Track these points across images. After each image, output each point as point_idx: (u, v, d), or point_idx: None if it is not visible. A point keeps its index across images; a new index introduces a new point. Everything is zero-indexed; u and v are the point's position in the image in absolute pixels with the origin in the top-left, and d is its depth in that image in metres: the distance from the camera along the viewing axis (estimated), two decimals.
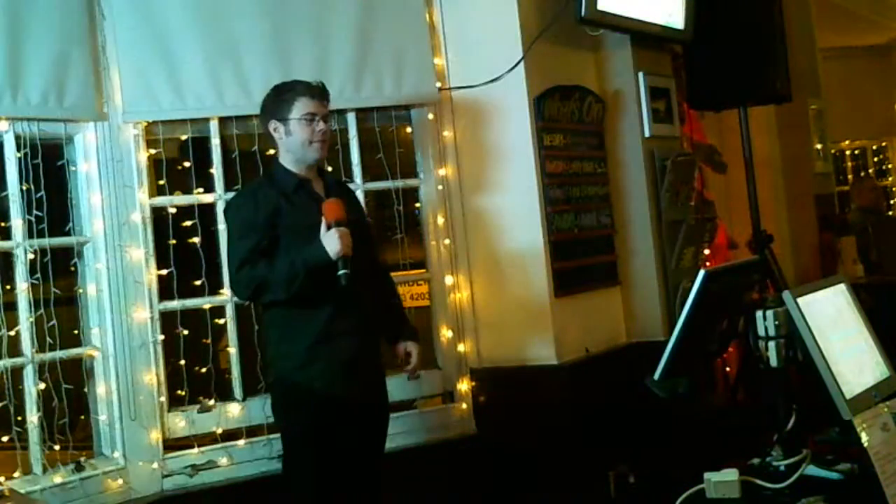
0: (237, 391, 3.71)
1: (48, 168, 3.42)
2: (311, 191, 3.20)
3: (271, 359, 3.23)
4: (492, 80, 4.02)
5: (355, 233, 3.05)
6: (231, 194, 3.67)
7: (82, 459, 3.44)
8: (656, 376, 2.25)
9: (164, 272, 3.63)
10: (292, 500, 3.17)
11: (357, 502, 3.21)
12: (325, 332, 3.10)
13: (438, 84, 4.10)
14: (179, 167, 3.75)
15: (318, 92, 3.18)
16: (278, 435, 3.53)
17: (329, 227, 3.00)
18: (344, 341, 3.13)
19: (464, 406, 4.10)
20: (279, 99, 3.17)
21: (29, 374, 3.33)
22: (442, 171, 4.14)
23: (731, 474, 2.18)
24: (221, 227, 3.68)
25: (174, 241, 3.67)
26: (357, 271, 3.01)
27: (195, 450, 3.64)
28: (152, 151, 3.68)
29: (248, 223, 3.10)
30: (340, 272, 2.96)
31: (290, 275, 3.01)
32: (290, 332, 3.12)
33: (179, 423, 3.64)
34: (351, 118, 3.98)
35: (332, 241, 2.98)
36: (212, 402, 3.67)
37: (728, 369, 4.74)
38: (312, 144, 3.15)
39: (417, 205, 4.17)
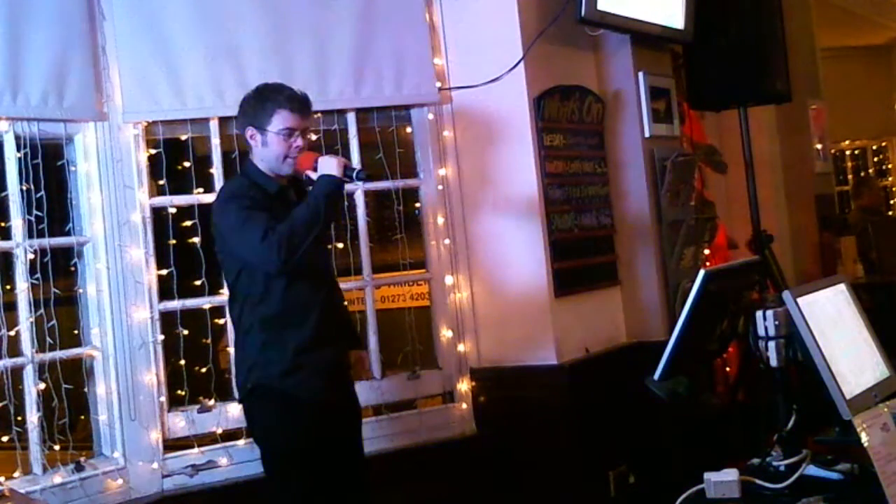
0: (237, 391, 3.71)
1: (48, 168, 3.42)
2: (290, 198, 3.17)
3: (252, 365, 3.11)
4: (492, 81, 4.01)
5: (322, 240, 3.11)
6: None
7: (82, 459, 3.43)
8: (656, 376, 2.25)
9: (164, 272, 3.63)
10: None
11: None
12: (313, 338, 3.08)
13: (438, 84, 4.10)
14: (179, 167, 3.75)
15: (300, 105, 3.08)
16: None
17: (314, 166, 3.05)
18: (328, 348, 3.13)
19: (464, 406, 4.10)
20: (259, 106, 3.08)
21: (29, 374, 3.33)
22: (442, 171, 4.14)
23: (731, 474, 2.18)
24: None
25: (174, 241, 3.67)
26: (329, 281, 3.12)
27: (195, 450, 3.64)
28: (152, 151, 3.68)
29: (252, 207, 2.98)
30: (355, 173, 3.05)
31: (313, 210, 2.95)
32: (277, 338, 3.07)
33: (179, 423, 3.64)
34: (351, 118, 3.98)
35: (329, 163, 3.02)
36: (212, 402, 3.67)
37: (728, 369, 4.74)
38: (287, 160, 3.08)
39: (417, 205, 4.17)
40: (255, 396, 3.13)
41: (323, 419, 3.09)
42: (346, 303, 3.52)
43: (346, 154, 3.96)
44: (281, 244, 2.89)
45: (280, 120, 3.05)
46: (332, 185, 3.00)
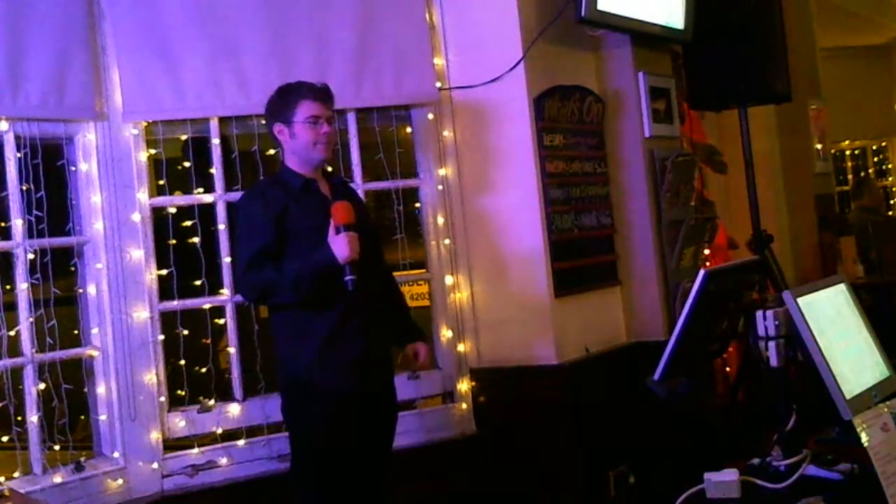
0: (237, 391, 3.71)
1: (48, 168, 3.42)
2: (318, 191, 3.23)
3: (281, 360, 3.22)
4: (492, 80, 4.02)
5: (360, 233, 3.07)
6: (231, 194, 3.69)
7: (82, 459, 3.43)
8: (656, 376, 2.25)
9: (164, 272, 3.63)
10: (300, 498, 3.17)
11: (363, 497, 3.21)
12: (334, 333, 3.12)
13: (438, 84, 4.10)
14: (179, 167, 3.75)
15: (322, 94, 3.19)
16: (278, 435, 3.54)
17: (338, 231, 3.02)
18: (352, 342, 3.15)
19: (464, 406, 4.10)
20: (283, 102, 3.20)
21: (29, 374, 3.33)
22: (442, 171, 4.14)
23: (731, 474, 2.18)
24: (222, 227, 3.69)
25: (174, 241, 3.67)
26: (363, 272, 3.05)
27: (195, 450, 3.64)
28: (152, 151, 3.68)
29: (255, 223, 3.11)
30: (347, 277, 2.99)
31: (297, 278, 3.02)
32: (298, 334, 3.13)
33: (179, 423, 3.64)
34: (351, 118, 3.98)
35: (340, 246, 3.00)
36: (212, 402, 3.67)
37: (728, 369, 4.74)
38: (317, 146, 3.17)
39: (417, 205, 4.17)
40: (285, 389, 3.22)
41: (348, 410, 3.12)
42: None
43: (346, 154, 3.97)
44: (256, 289, 3.11)
45: (304, 109, 3.16)
46: (329, 266, 3.01)
